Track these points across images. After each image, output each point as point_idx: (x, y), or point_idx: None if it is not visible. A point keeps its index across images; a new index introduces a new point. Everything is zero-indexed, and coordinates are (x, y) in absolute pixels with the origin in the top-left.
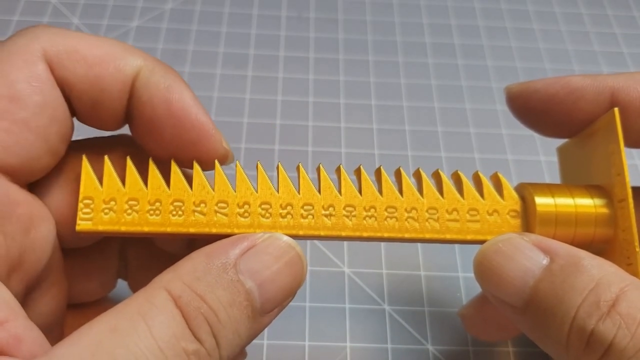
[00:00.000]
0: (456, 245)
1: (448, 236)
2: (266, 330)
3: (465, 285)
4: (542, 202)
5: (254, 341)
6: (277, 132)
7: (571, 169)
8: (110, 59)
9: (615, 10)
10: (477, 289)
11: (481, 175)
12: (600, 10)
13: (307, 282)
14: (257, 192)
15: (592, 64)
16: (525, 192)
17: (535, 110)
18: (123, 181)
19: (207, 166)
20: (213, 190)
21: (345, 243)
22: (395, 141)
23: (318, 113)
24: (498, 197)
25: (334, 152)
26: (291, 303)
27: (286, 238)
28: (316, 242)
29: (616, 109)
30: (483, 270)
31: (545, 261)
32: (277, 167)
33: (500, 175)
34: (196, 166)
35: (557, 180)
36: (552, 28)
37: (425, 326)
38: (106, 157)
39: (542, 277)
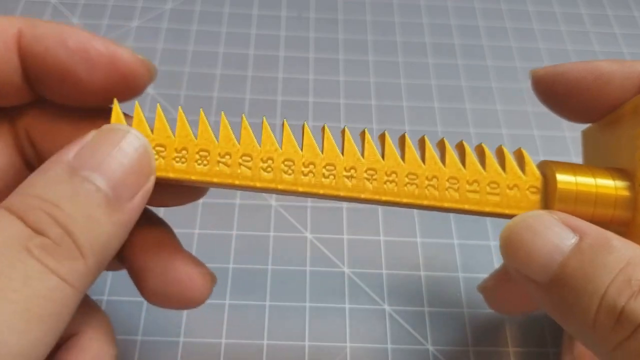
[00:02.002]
0: (456, 246)
1: (467, 206)
2: (266, 330)
3: (465, 285)
4: (563, 179)
5: (254, 341)
6: (277, 132)
7: (595, 153)
8: None
9: (615, 10)
10: (477, 290)
11: (505, 149)
12: (600, 10)
13: (307, 282)
14: (281, 149)
15: None
16: (547, 169)
17: (561, 93)
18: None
19: (136, 90)
20: (239, 143)
21: (346, 243)
22: (396, 141)
23: (318, 113)
24: (519, 172)
25: None
26: (291, 303)
27: (116, 125)
28: (316, 242)
29: None
30: (510, 245)
31: (574, 240)
32: (303, 127)
33: (523, 151)
34: (223, 118)
35: None
36: (552, 28)
37: (425, 326)
38: (137, 104)
39: (570, 255)
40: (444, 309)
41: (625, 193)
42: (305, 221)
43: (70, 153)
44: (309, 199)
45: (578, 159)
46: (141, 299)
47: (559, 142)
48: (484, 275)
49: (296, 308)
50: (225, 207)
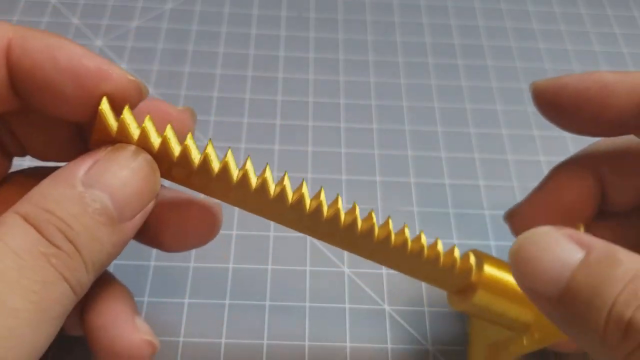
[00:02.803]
0: (456, 246)
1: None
2: (266, 330)
3: None
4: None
5: (254, 341)
6: (277, 132)
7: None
8: None
9: (615, 10)
10: None
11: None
12: (600, 10)
13: (307, 282)
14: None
15: (592, 64)
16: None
17: (564, 106)
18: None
19: (120, 105)
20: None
21: None
22: (395, 141)
23: (318, 113)
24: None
25: (334, 152)
26: (291, 303)
27: (130, 146)
28: (316, 242)
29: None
30: (519, 261)
31: (581, 254)
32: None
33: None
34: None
35: None
36: (552, 28)
37: (425, 326)
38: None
39: (578, 269)
40: (444, 309)
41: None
42: None
43: (82, 168)
44: None
45: None
46: (141, 298)
47: (559, 142)
48: None
49: (296, 308)
50: (225, 207)
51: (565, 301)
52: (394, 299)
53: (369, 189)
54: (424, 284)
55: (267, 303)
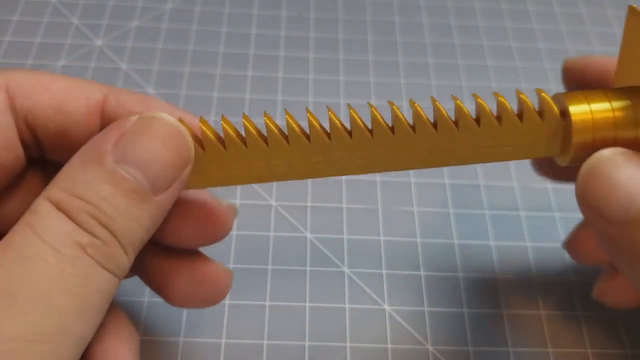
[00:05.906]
0: (456, 246)
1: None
2: (266, 330)
3: (466, 285)
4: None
5: (254, 341)
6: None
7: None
8: (74, 87)
9: (615, 10)
10: (477, 290)
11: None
12: (600, 10)
13: (307, 283)
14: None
15: None
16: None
17: (588, 80)
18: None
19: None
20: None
21: (346, 243)
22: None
23: (318, 113)
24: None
25: None
26: (291, 303)
27: (157, 114)
28: (315, 241)
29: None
30: (592, 177)
31: None
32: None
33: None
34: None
35: None
36: (552, 28)
37: (425, 326)
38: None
39: None
40: (444, 309)
41: None
42: (305, 221)
43: (109, 142)
44: (309, 199)
45: None
46: (141, 298)
47: None
48: (484, 275)
49: (296, 308)
50: None
51: (629, 227)
52: (394, 299)
53: (369, 189)
54: (424, 284)
55: (267, 303)
